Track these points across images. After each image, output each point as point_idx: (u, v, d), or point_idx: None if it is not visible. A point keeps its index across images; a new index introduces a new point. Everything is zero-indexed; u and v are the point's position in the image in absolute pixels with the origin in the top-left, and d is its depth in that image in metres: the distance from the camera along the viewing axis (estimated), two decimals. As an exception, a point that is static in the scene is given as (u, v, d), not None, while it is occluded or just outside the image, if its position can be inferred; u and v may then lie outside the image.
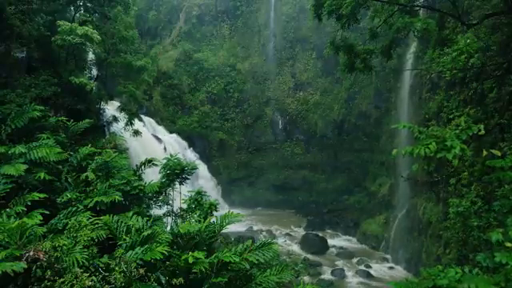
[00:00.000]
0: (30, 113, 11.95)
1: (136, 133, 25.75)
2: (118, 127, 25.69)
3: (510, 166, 5.23)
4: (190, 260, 8.00)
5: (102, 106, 23.99)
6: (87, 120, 14.46)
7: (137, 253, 7.84)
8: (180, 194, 12.79)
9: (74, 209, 9.28)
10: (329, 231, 37.65)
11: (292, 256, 31.38)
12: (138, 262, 7.58)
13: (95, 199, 9.81)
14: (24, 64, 15.63)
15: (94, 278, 6.83)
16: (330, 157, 43.31)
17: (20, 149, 10.26)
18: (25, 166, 9.70)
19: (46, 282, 6.54)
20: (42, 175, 9.93)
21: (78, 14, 22.09)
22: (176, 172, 12.89)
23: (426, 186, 26.11)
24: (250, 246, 9.32)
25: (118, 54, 23.68)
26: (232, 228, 11.17)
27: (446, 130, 5.03)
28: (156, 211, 12.68)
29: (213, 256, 8.55)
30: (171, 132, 41.65)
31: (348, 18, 13.42)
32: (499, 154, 5.18)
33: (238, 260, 8.48)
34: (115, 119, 24.91)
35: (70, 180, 10.89)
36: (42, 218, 8.37)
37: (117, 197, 9.98)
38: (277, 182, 44.82)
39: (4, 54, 14.48)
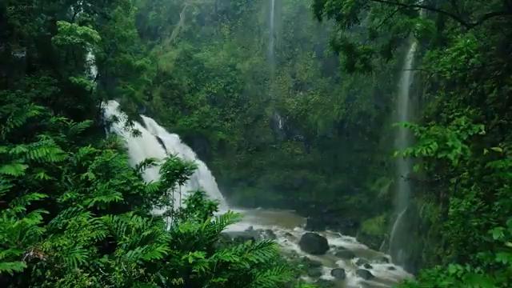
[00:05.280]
0: (29, 112, 11.94)
1: (136, 133, 25.79)
2: (118, 127, 25.70)
3: (510, 166, 5.22)
4: (190, 260, 7.99)
5: (102, 106, 23.99)
6: (87, 120, 14.43)
7: (137, 253, 7.84)
8: (180, 194, 12.78)
9: (73, 209, 9.26)
10: (329, 231, 37.65)
11: (292, 256, 31.40)
12: (138, 261, 7.57)
13: (95, 199, 9.78)
14: (24, 64, 15.60)
15: (93, 277, 6.82)
16: (330, 157, 43.29)
17: (21, 148, 10.25)
18: (25, 166, 9.68)
19: (45, 281, 6.53)
20: (42, 175, 9.91)
21: (78, 14, 22.10)
22: (176, 172, 12.86)
23: (426, 186, 26.11)
24: (250, 245, 9.31)
25: (117, 53, 23.69)
26: (232, 228, 11.15)
27: (446, 129, 5.03)
28: (156, 211, 12.67)
29: (213, 256, 8.53)
30: (171, 132, 41.68)
31: (348, 18, 13.40)
32: (500, 150, 5.18)
33: (238, 260, 8.47)
34: (115, 119, 24.91)
35: (69, 180, 10.87)
36: (42, 218, 8.34)
37: (117, 197, 9.96)
38: (277, 182, 44.80)
39: (4, 53, 14.43)
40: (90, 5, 21.93)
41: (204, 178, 38.31)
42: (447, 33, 15.41)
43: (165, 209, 12.91)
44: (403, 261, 29.89)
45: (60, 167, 11.13)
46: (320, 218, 39.55)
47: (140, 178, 12.66)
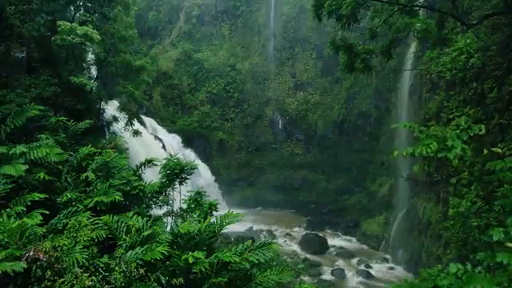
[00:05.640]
0: (29, 112, 11.94)
1: (136, 133, 25.80)
2: (118, 127, 25.71)
3: (509, 166, 5.22)
4: (190, 260, 7.99)
5: (102, 106, 23.99)
6: (87, 120, 14.42)
7: (137, 253, 7.83)
8: (180, 194, 12.78)
9: (73, 209, 9.26)
10: (329, 231, 37.66)
11: (292, 256, 31.40)
12: (138, 261, 7.57)
13: (95, 199, 9.78)
14: (24, 64, 15.59)
15: (93, 277, 6.82)
16: (330, 157, 43.29)
17: (21, 148, 10.24)
18: (25, 167, 9.67)
19: (46, 281, 6.53)
20: (42, 175, 9.90)
21: (78, 14, 22.10)
22: (176, 172, 12.86)
23: (426, 186, 26.11)
24: (250, 245, 9.31)
25: (117, 53, 23.70)
26: (232, 228, 11.16)
27: (446, 129, 5.03)
28: (156, 211, 12.67)
29: (213, 256, 8.53)
30: (171, 132, 41.68)
31: (348, 18, 13.39)
32: (500, 151, 5.18)
33: (238, 260, 8.47)
34: (115, 119, 24.92)
35: (69, 180, 10.86)
36: (42, 218, 8.34)
37: (117, 197, 9.95)
38: (277, 182, 44.80)
39: (4, 53, 14.43)
40: (90, 5, 21.93)
41: (204, 178, 38.32)
42: (447, 33, 15.40)
43: (165, 209, 12.91)
44: (403, 261, 29.89)
45: (60, 167, 11.13)
46: (320, 218, 39.55)
47: (140, 178, 12.66)
